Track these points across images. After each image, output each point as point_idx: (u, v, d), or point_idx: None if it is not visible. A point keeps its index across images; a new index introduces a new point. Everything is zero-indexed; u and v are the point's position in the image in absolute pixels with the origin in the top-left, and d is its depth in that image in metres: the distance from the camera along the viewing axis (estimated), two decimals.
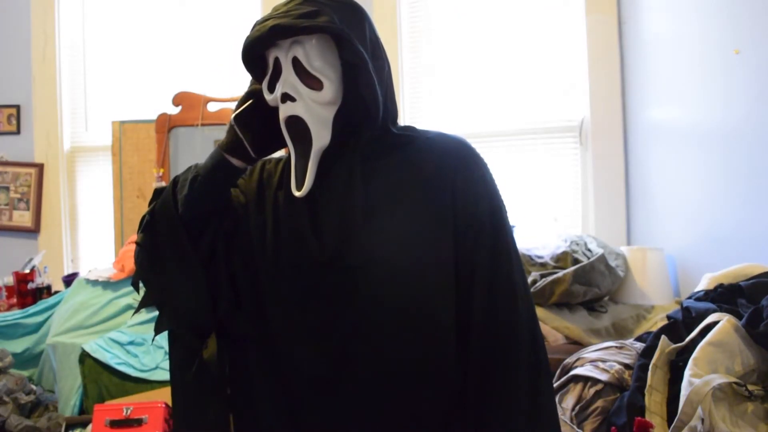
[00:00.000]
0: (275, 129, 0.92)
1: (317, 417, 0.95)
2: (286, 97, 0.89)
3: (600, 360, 1.44)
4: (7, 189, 3.05)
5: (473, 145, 0.99)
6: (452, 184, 0.93)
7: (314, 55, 0.89)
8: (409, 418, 0.92)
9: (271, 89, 0.92)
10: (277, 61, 0.91)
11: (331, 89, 0.90)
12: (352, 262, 0.91)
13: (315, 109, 0.90)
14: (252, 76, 0.97)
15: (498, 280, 0.93)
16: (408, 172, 0.94)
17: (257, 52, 0.93)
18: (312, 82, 0.89)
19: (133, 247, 1.02)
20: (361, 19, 0.94)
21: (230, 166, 0.94)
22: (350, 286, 0.91)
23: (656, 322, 1.83)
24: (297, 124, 0.90)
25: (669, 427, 1.17)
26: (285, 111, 0.90)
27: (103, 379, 1.87)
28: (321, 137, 0.90)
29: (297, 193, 0.90)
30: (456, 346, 0.93)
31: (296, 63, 0.89)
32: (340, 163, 0.92)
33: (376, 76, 0.90)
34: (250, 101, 0.95)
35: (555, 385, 1.46)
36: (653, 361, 1.28)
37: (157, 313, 1.01)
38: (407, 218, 0.92)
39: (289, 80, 0.89)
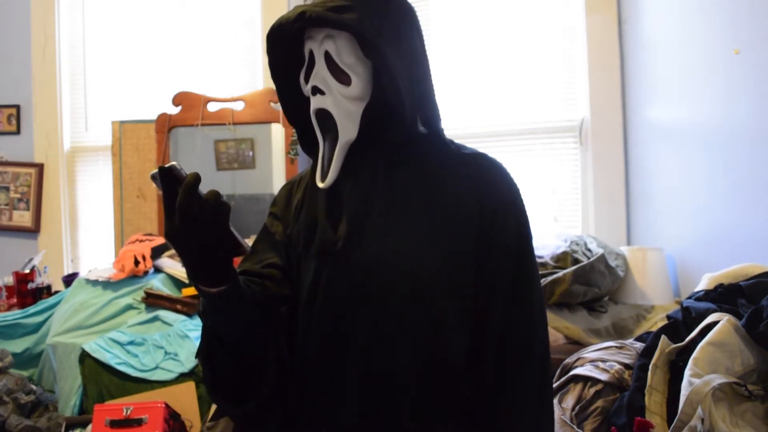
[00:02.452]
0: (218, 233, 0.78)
1: (322, 405, 0.95)
2: (315, 90, 0.92)
3: (600, 360, 1.44)
4: (7, 189, 3.05)
5: (502, 162, 1.02)
6: (482, 204, 0.93)
7: (345, 50, 0.91)
8: (409, 416, 0.91)
9: (307, 80, 0.94)
10: (311, 53, 0.92)
11: (359, 85, 0.91)
12: (364, 255, 0.91)
13: (343, 104, 0.91)
14: (272, 64, 0.97)
15: (517, 304, 0.93)
16: (438, 182, 0.95)
17: (286, 43, 0.94)
18: (342, 76, 0.91)
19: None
20: (398, 16, 0.93)
21: (209, 295, 0.82)
22: (360, 278, 0.92)
23: (656, 322, 1.83)
24: (325, 117, 0.92)
25: (669, 427, 1.17)
26: (314, 103, 0.92)
27: (103, 379, 1.87)
28: (347, 131, 0.92)
29: (321, 185, 0.92)
30: (463, 355, 0.93)
31: (328, 57, 0.91)
32: (365, 158, 0.93)
33: (406, 77, 0.91)
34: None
35: (555, 385, 1.46)
36: (653, 361, 1.28)
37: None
38: (428, 223, 0.92)
39: (320, 73, 0.91)
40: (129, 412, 1.70)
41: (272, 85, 2.70)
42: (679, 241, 2.05)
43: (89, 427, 1.76)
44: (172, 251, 2.40)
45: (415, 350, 0.91)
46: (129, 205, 2.80)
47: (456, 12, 2.68)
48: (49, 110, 3.03)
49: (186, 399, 1.83)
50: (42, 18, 3.04)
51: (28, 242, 3.06)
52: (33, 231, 3.05)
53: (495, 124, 2.61)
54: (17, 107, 3.07)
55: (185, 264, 0.81)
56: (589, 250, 2.03)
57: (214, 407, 1.76)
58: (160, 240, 2.38)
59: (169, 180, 0.75)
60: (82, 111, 3.10)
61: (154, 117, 2.71)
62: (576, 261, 1.95)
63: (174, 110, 2.69)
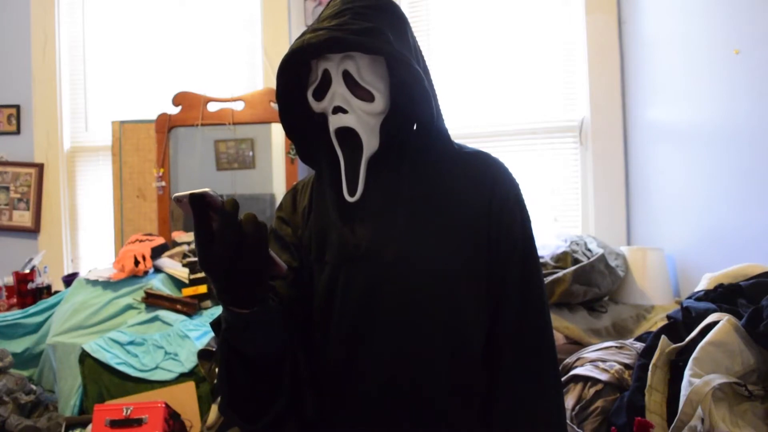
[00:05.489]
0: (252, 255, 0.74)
1: (337, 403, 0.95)
2: (338, 110, 0.92)
3: (600, 360, 1.44)
4: (7, 189, 3.05)
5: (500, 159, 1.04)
6: (489, 203, 0.96)
7: (365, 69, 0.92)
8: (424, 414, 0.92)
9: (317, 98, 0.95)
10: (326, 72, 0.93)
11: (382, 101, 0.93)
12: (387, 256, 0.92)
13: (366, 120, 0.93)
14: (278, 81, 0.96)
15: (528, 295, 0.96)
16: (447, 182, 0.97)
17: (299, 60, 0.94)
18: (363, 93, 0.92)
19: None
20: (403, 24, 0.95)
21: (240, 315, 0.80)
22: (382, 279, 0.92)
23: (656, 322, 1.83)
24: (349, 134, 0.93)
25: (669, 427, 1.17)
26: (336, 122, 0.93)
27: (103, 379, 1.87)
28: (371, 145, 0.94)
29: (350, 199, 0.93)
30: (481, 348, 0.95)
31: (347, 75, 0.92)
32: (385, 164, 0.95)
33: (429, 87, 0.93)
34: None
35: None
36: (653, 361, 1.28)
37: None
38: (443, 222, 0.94)
39: (340, 93, 0.92)
40: (129, 412, 1.70)
41: (272, 85, 2.70)
42: (679, 241, 2.05)
43: (89, 427, 1.76)
44: (172, 251, 2.40)
45: (439, 348, 0.92)
46: (129, 205, 2.80)
47: (456, 12, 2.68)
48: (49, 110, 3.03)
49: (186, 399, 1.83)
50: (42, 18, 3.04)
51: (28, 242, 3.06)
52: (33, 231, 3.05)
53: (495, 124, 2.61)
54: (17, 107, 3.07)
55: (219, 289, 0.77)
56: (589, 250, 2.03)
57: (213, 412, 1.76)
58: (160, 240, 2.38)
59: (200, 206, 0.70)
60: (82, 111, 3.10)
61: (154, 117, 2.71)
62: (576, 261, 1.95)
63: (174, 110, 2.69)
